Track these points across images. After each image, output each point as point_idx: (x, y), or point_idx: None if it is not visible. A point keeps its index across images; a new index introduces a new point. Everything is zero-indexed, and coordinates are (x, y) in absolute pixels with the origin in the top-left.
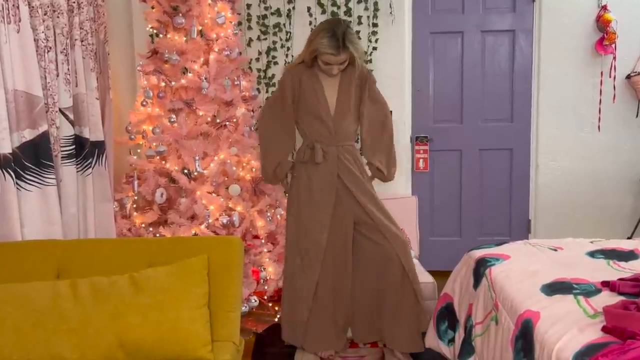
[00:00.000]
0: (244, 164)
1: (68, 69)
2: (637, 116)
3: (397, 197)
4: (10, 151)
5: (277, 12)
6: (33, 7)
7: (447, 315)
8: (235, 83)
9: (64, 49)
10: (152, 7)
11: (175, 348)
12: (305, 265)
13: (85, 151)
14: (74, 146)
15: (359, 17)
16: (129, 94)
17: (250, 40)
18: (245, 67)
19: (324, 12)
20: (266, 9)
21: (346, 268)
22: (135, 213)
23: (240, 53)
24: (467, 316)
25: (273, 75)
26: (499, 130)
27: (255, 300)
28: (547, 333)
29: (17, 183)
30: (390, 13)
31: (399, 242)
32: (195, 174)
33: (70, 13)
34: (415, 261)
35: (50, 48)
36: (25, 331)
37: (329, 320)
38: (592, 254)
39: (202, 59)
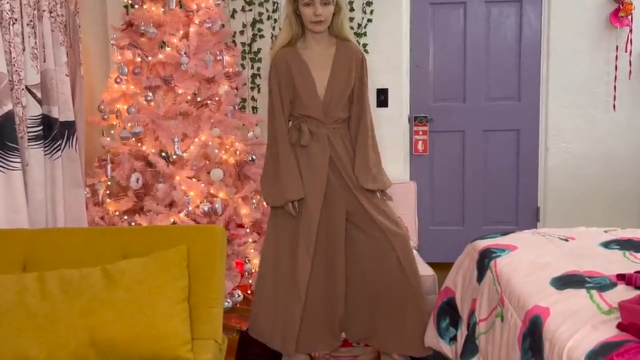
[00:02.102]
0: (227, 146)
1: (35, 43)
2: None
3: (394, 182)
4: None
5: None
6: None
7: (448, 312)
8: (218, 58)
9: (31, 21)
10: None
11: (152, 347)
12: (295, 259)
13: (53, 132)
14: (41, 127)
15: None
16: (101, 70)
17: (234, 11)
18: (229, 41)
19: None
20: None
21: (338, 263)
22: (108, 200)
23: (223, 25)
24: (470, 312)
25: (259, 50)
26: (504, 109)
27: (239, 295)
28: (557, 331)
29: None
30: None
31: (397, 236)
32: (174, 157)
33: None
34: (414, 252)
35: (16, 20)
36: None
37: (320, 319)
38: (607, 245)
39: (181, 32)
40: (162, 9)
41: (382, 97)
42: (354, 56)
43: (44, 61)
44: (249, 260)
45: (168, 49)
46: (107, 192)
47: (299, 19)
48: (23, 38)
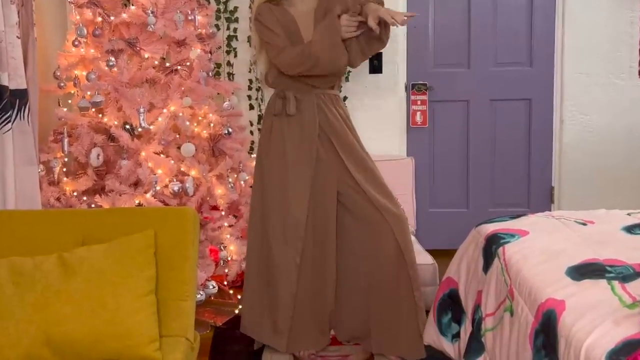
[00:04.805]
0: (200, 118)
1: None
2: None
3: (389, 158)
4: None
5: None
6: None
7: (450, 305)
8: (189, 18)
9: None
10: None
11: (115, 345)
12: (281, 248)
13: (3, 102)
14: None
15: None
16: (57, 32)
17: None
18: None
19: None
20: None
21: (329, 252)
22: (65, 178)
23: None
24: (475, 306)
25: (235, 9)
26: (514, 76)
27: (214, 287)
28: (574, 327)
29: None
30: None
31: (394, 216)
32: (140, 130)
33: None
34: (412, 238)
35: None
36: None
37: (307, 315)
38: (630, 229)
39: None
40: None
41: (376, 62)
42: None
43: None
44: (225, 247)
45: (133, 7)
46: (64, 169)
47: None
48: None
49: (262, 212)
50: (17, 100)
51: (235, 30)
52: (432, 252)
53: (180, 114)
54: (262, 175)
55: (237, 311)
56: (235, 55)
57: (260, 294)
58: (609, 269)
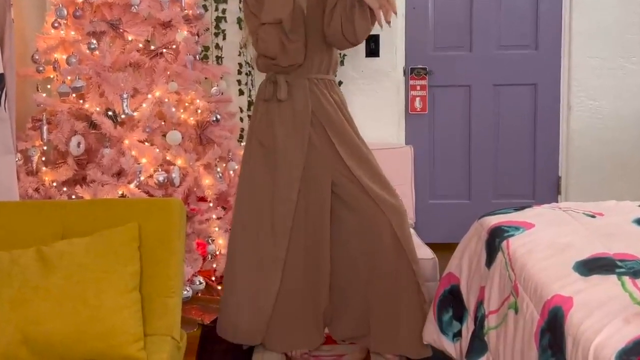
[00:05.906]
0: (187, 104)
1: None
2: None
3: (386, 146)
4: None
5: None
6: None
7: (451, 302)
8: None
9: None
10: None
11: (96, 344)
12: (266, 240)
13: None
14: None
15: None
16: (36, 13)
17: None
18: None
19: None
20: None
21: (322, 245)
22: (44, 168)
23: None
24: (477, 303)
25: None
26: (519, 59)
27: (201, 282)
28: (582, 325)
29: None
30: None
31: (392, 208)
32: (123, 117)
33: None
34: (411, 231)
35: None
36: None
37: (299, 312)
38: None
39: None
40: None
41: (373, 45)
42: None
43: None
44: (213, 241)
45: None
46: (43, 158)
47: None
48: None
49: (247, 202)
50: None
51: (224, 11)
52: (432, 246)
53: (166, 100)
54: (250, 164)
55: None
56: (224, 38)
57: (243, 290)
58: (619, 263)
